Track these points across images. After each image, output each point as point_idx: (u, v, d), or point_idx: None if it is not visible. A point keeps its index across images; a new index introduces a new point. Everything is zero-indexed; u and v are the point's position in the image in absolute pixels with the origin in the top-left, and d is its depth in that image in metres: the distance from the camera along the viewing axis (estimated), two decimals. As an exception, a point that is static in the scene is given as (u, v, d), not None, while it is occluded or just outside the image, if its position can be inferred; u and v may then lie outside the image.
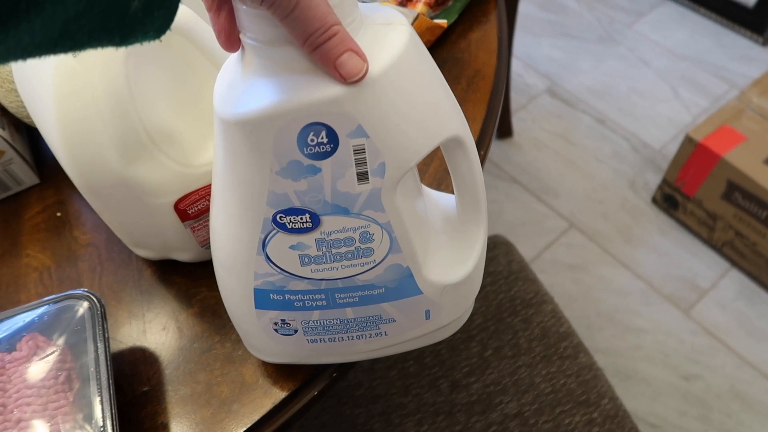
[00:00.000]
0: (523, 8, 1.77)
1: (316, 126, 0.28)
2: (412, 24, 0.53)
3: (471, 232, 0.37)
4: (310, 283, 0.34)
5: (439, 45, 0.61)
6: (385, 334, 0.37)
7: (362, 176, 0.29)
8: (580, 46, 1.69)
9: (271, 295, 0.35)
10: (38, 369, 0.41)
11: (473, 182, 0.34)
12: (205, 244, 0.46)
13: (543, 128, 1.52)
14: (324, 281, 0.34)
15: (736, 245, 1.21)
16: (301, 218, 0.31)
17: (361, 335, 0.37)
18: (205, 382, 0.43)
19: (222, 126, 0.30)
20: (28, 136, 0.57)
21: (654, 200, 1.35)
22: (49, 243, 0.51)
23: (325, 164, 0.29)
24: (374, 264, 0.33)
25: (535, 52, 1.69)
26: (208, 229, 0.45)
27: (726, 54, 1.64)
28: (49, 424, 0.38)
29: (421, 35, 0.55)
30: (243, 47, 0.29)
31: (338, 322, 0.36)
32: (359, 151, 0.29)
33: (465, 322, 0.72)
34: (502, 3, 0.64)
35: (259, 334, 0.38)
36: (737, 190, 1.14)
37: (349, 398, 0.66)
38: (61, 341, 0.41)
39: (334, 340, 0.38)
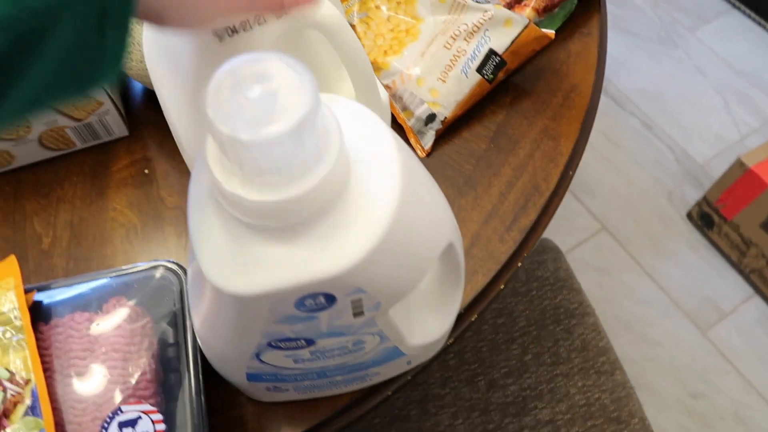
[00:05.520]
0: (586, -5, 1.73)
1: (314, 294, 0.27)
2: (520, 33, 0.52)
3: (450, 296, 0.38)
4: (302, 371, 0.36)
5: (538, 53, 0.60)
6: (370, 380, 0.41)
7: (358, 314, 0.30)
8: (637, 43, 1.66)
9: (263, 376, 0.37)
10: (124, 333, 0.42)
11: (458, 265, 0.35)
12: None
13: (589, 124, 1.50)
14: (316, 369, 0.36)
15: (764, 274, 1.22)
16: (297, 343, 0.31)
17: (348, 385, 0.41)
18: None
19: (210, 285, 0.28)
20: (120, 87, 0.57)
21: (689, 216, 1.35)
22: (136, 199, 0.51)
23: (321, 314, 0.29)
24: (365, 354, 0.35)
25: (592, 43, 1.65)
26: None
27: (785, 75, 1.61)
28: (132, 386, 0.40)
29: (527, 44, 0.54)
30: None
31: (328, 383, 0.39)
32: (356, 302, 0.29)
33: (508, 323, 0.73)
34: (605, 15, 0.63)
35: (250, 392, 0.41)
36: (778, 221, 1.14)
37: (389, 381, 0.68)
38: (146, 307, 0.42)
39: (323, 390, 0.41)
